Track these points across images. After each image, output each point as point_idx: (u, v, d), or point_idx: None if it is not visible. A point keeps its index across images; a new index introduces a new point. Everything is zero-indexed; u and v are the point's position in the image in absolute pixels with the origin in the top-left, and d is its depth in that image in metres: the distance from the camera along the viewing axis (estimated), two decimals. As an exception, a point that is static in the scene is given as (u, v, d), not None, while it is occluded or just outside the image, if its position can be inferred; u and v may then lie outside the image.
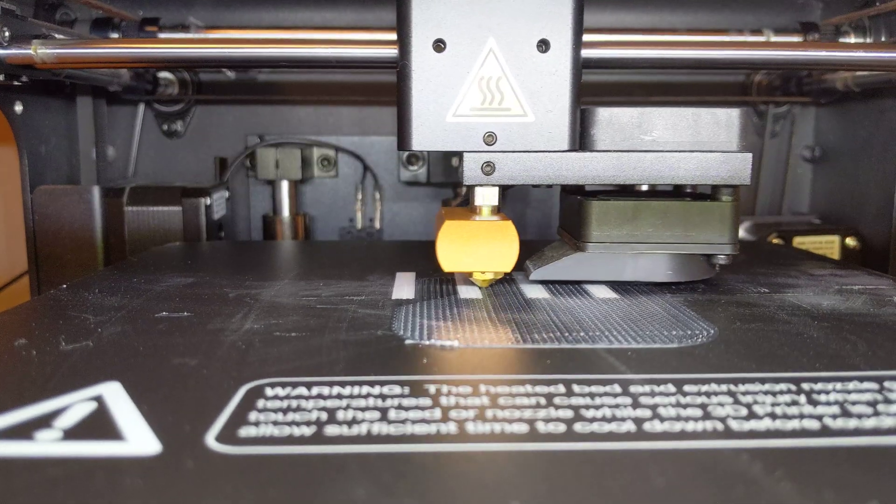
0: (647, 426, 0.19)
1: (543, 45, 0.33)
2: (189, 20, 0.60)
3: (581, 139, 0.34)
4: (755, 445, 0.17)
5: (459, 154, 0.34)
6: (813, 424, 0.19)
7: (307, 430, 0.18)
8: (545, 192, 0.66)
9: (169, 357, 0.24)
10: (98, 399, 0.20)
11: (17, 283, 0.63)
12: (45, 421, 0.19)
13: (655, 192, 0.39)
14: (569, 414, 0.19)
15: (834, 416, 0.19)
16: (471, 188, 0.35)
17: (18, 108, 0.48)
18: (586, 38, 0.34)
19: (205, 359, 0.24)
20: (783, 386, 0.21)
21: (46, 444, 0.17)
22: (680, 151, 0.34)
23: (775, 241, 0.58)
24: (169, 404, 0.20)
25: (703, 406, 0.20)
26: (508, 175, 0.34)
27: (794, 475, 0.16)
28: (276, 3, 0.62)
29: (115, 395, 0.20)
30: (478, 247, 0.34)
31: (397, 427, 0.18)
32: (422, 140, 0.34)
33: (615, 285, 0.36)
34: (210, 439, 0.18)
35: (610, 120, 0.34)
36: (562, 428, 0.18)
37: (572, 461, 0.17)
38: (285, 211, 0.64)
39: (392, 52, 0.35)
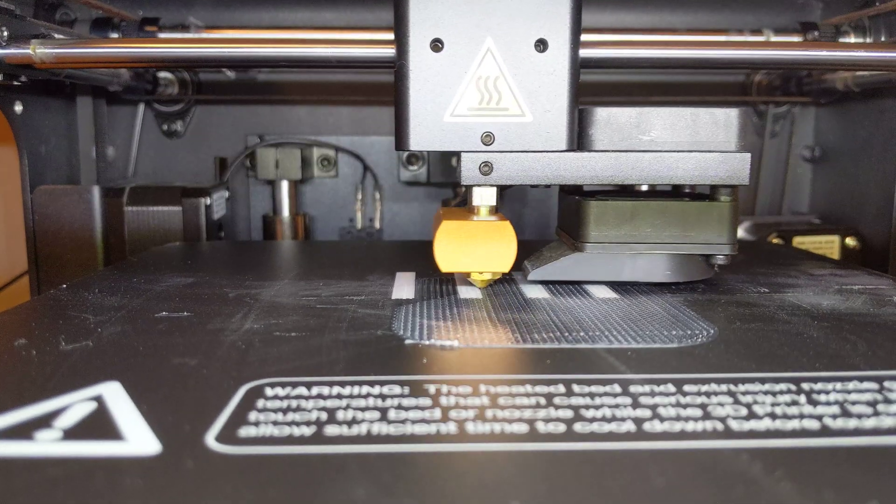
0: (647, 426, 0.19)
1: (541, 45, 0.33)
2: (189, 20, 0.60)
3: (579, 139, 0.34)
4: (755, 445, 0.17)
5: (457, 154, 0.34)
6: (813, 424, 0.19)
7: (307, 430, 0.18)
8: (543, 193, 0.66)
9: (169, 357, 0.24)
10: (98, 399, 0.20)
11: (17, 283, 0.63)
12: (45, 421, 0.19)
13: (654, 193, 0.39)
14: (569, 414, 0.19)
15: (834, 416, 0.19)
16: (468, 188, 0.35)
17: (18, 108, 0.48)
18: (585, 37, 0.34)
19: (205, 359, 0.24)
20: (783, 386, 0.21)
21: (46, 444, 0.17)
22: (678, 151, 0.34)
23: (775, 240, 0.58)
24: (169, 404, 0.20)
25: (703, 406, 0.20)
26: (506, 175, 0.34)
27: (794, 475, 0.16)
28: (276, 3, 0.62)
29: (114, 395, 0.20)
30: (475, 247, 0.34)
31: (397, 427, 0.18)
32: (419, 140, 0.33)
33: (615, 285, 0.36)
34: (210, 439, 0.18)
35: (608, 120, 0.34)
36: (562, 428, 0.18)
37: (572, 461, 0.17)
38: (285, 211, 0.64)
39: (390, 51, 0.35)
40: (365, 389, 0.21)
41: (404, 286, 0.35)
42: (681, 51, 0.40)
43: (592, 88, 0.64)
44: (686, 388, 0.21)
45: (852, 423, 0.19)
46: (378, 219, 0.65)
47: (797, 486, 0.15)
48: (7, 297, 0.64)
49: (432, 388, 0.21)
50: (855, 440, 0.18)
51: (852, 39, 0.55)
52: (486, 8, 0.33)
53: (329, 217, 0.66)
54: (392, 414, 0.19)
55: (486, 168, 0.34)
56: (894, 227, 0.54)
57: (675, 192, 0.39)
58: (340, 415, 0.19)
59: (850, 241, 0.58)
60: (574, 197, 0.37)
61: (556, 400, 0.20)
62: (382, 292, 0.34)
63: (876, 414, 0.19)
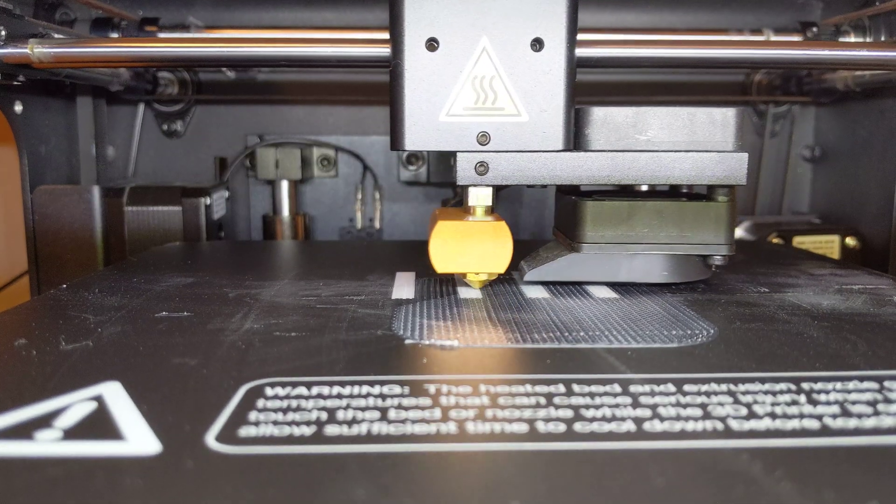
0: (647, 426, 0.19)
1: (537, 44, 0.33)
2: (189, 20, 0.60)
3: (576, 139, 0.34)
4: (755, 445, 0.17)
5: (453, 154, 0.34)
6: (813, 424, 0.19)
7: (307, 430, 0.18)
8: (540, 193, 0.65)
9: (169, 357, 0.24)
10: (98, 399, 0.20)
11: (17, 283, 0.63)
12: (45, 421, 0.19)
13: (651, 193, 0.39)
14: (569, 414, 0.19)
15: (834, 416, 0.19)
16: (464, 188, 0.35)
17: (18, 107, 0.48)
18: (581, 37, 0.34)
19: (205, 359, 0.24)
20: (783, 385, 0.21)
21: (46, 444, 0.17)
22: (675, 151, 0.34)
23: (775, 240, 0.58)
24: (169, 404, 0.20)
25: (703, 406, 0.20)
26: (502, 175, 0.34)
27: (794, 475, 0.16)
28: (275, 3, 0.62)
29: (115, 395, 0.20)
30: (471, 247, 0.33)
31: (397, 427, 0.18)
32: (415, 140, 0.33)
33: (615, 285, 0.36)
34: (210, 439, 0.18)
35: (605, 119, 0.34)
36: (562, 428, 0.18)
37: (572, 461, 0.17)
38: (285, 211, 0.64)
39: (389, 51, 0.35)
40: (365, 389, 0.21)
41: (404, 286, 0.35)
42: (680, 50, 0.40)
43: (592, 88, 0.64)
44: (686, 387, 0.21)
45: (852, 423, 0.19)
46: (378, 219, 0.65)
47: (797, 485, 0.15)
48: (7, 297, 0.64)
49: (432, 388, 0.21)
50: (855, 440, 0.18)
51: (852, 39, 0.55)
52: (482, 7, 0.33)
53: (329, 217, 0.66)
54: (392, 414, 0.19)
55: (482, 168, 0.34)
56: (894, 227, 0.54)
57: (673, 193, 0.39)
58: (340, 415, 0.19)
59: (850, 241, 0.58)
60: (570, 197, 0.37)
61: (556, 400, 0.20)
62: (382, 292, 0.34)
63: (876, 414, 0.19)
